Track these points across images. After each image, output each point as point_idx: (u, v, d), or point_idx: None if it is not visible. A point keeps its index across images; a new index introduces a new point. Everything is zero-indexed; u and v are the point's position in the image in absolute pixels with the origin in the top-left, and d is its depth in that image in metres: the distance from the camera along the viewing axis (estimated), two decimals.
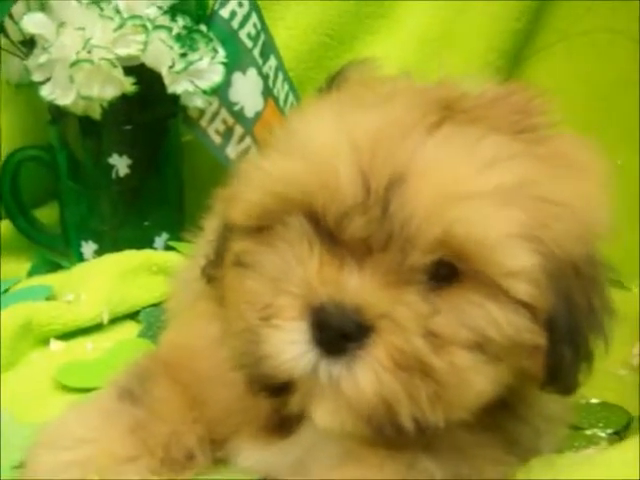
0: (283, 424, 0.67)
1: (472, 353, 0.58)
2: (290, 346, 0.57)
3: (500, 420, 0.63)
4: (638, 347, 0.98)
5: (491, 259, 0.57)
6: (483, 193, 0.57)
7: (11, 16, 1.08)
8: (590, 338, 0.62)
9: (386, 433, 0.58)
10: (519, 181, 0.58)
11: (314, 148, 0.59)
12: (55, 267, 1.23)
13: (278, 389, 0.60)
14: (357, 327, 0.56)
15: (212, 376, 0.71)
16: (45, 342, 1.03)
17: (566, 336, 0.60)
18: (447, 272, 0.58)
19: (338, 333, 0.56)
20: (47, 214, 1.32)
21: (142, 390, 0.72)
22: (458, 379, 0.57)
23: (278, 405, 0.64)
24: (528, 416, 0.67)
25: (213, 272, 0.70)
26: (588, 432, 0.84)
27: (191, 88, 1.10)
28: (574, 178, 0.62)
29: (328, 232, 0.59)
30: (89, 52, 1.00)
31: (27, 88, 1.20)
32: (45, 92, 1.05)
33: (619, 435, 0.84)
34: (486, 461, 0.65)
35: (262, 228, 0.63)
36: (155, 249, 1.23)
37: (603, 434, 0.84)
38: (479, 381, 0.59)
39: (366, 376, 0.56)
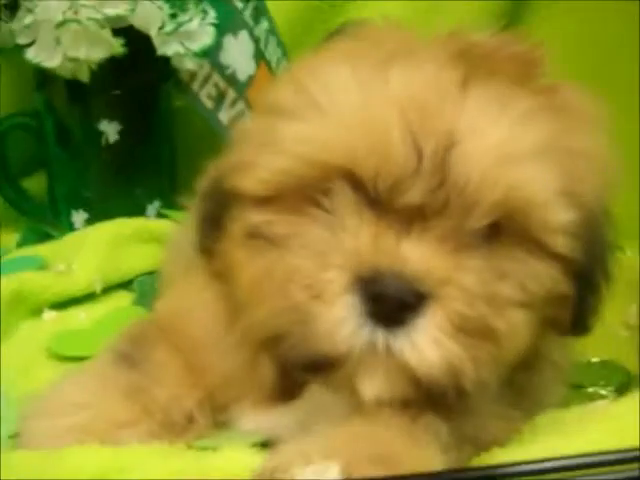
0: (285, 389, 0.66)
1: (523, 309, 0.58)
2: (344, 322, 0.55)
3: (510, 371, 0.63)
4: (636, 307, 0.99)
5: (538, 217, 0.57)
6: (528, 151, 0.57)
7: None
8: (602, 281, 0.64)
9: (436, 397, 0.57)
10: (550, 135, 0.58)
11: (349, 112, 0.57)
12: (45, 237, 1.21)
13: (321, 366, 0.58)
14: (416, 296, 0.55)
15: (210, 344, 0.69)
16: (38, 312, 1.01)
17: (590, 283, 0.62)
18: (491, 231, 0.57)
19: (396, 304, 0.54)
20: (35, 184, 1.28)
21: (140, 354, 0.70)
22: (514, 337, 0.58)
23: (284, 373, 0.63)
24: (537, 365, 0.67)
25: (211, 245, 0.67)
26: (590, 390, 0.85)
27: (181, 50, 1.07)
28: (586, 128, 0.63)
29: (376, 199, 0.56)
30: (75, 12, 0.97)
31: (11, 53, 1.17)
32: (30, 55, 1.02)
33: (619, 393, 0.85)
34: (491, 418, 0.64)
35: (279, 197, 0.60)
36: (147, 217, 1.21)
37: (604, 392, 0.85)
38: (526, 335, 0.60)
39: (430, 345, 0.55)
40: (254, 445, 0.63)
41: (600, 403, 0.67)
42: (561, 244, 0.59)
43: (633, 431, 0.55)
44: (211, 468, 0.57)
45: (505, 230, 0.58)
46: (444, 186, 0.55)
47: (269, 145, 0.60)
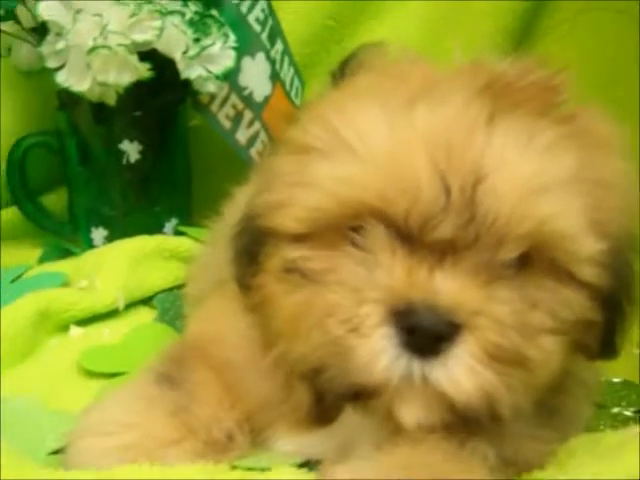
0: (322, 413, 0.68)
1: (554, 336, 0.60)
2: (381, 354, 0.57)
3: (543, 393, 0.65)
4: None
5: (567, 248, 0.59)
6: (556, 183, 0.58)
7: (23, 2, 1.07)
8: (629, 306, 0.65)
9: (472, 422, 0.59)
10: (575, 165, 0.60)
11: (379, 152, 0.59)
12: (66, 253, 1.23)
13: (359, 395, 0.60)
14: (450, 327, 0.57)
15: (245, 368, 0.71)
16: (64, 329, 1.03)
17: (617, 308, 0.64)
18: (521, 261, 0.59)
19: (431, 335, 0.57)
20: (54, 200, 1.31)
21: (180, 375, 0.72)
22: (546, 363, 0.60)
23: (320, 398, 0.65)
24: (567, 385, 0.69)
25: (248, 280, 0.68)
26: (614, 410, 0.86)
27: (204, 73, 1.10)
28: (607, 154, 0.64)
29: (408, 235, 0.58)
30: (105, 38, 1.00)
31: (34, 74, 1.20)
32: (61, 79, 1.04)
33: None
34: (528, 440, 0.66)
35: (314, 234, 0.62)
36: (165, 234, 1.24)
37: (628, 413, 0.86)
38: (557, 360, 0.61)
39: (465, 373, 0.57)
40: (297, 466, 0.66)
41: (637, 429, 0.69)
42: (589, 273, 0.60)
43: None
44: None
45: (535, 260, 0.60)
46: (474, 221, 0.57)
47: (303, 184, 0.62)
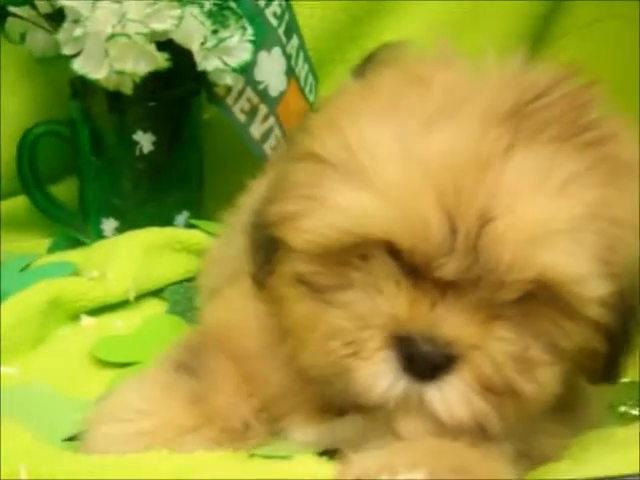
0: (338, 406, 0.68)
1: (552, 367, 0.61)
2: (380, 377, 0.60)
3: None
4: None
5: (572, 291, 0.58)
6: (566, 227, 0.57)
7: None
8: (636, 334, 0.65)
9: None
10: (593, 203, 0.58)
11: (390, 183, 0.58)
12: (76, 243, 1.22)
13: (363, 406, 0.62)
14: (447, 358, 0.59)
15: (261, 356, 0.71)
16: (75, 318, 1.02)
17: (622, 339, 0.64)
18: (524, 297, 0.59)
19: (428, 364, 0.59)
20: (64, 190, 1.30)
21: (198, 363, 0.72)
22: (541, 394, 0.61)
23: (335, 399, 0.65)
24: (581, 384, 0.69)
25: (263, 278, 0.70)
26: (621, 409, 0.87)
27: (221, 65, 1.09)
28: (629, 185, 0.62)
29: (413, 268, 0.59)
30: (124, 26, 0.99)
31: (47, 61, 1.19)
32: (77, 66, 1.03)
33: None
34: (544, 435, 0.67)
35: (324, 254, 0.62)
36: (176, 227, 1.23)
37: (635, 412, 0.87)
38: (554, 385, 0.62)
39: (458, 399, 0.59)
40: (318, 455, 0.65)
41: None
42: (595, 312, 0.60)
43: None
44: (285, 474, 0.59)
45: (538, 297, 0.60)
46: (477, 264, 0.58)
47: (316, 199, 0.61)
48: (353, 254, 0.62)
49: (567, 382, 0.64)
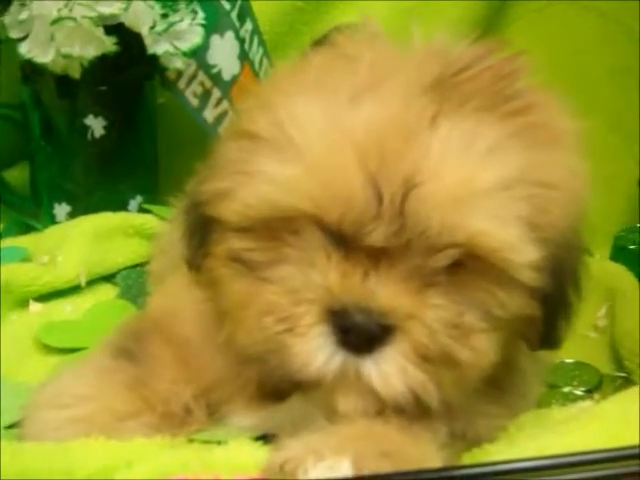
0: (275, 390, 0.68)
1: (488, 334, 0.61)
2: (317, 352, 0.59)
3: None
4: (605, 310, 1.03)
5: (502, 257, 0.59)
6: (493, 191, 0.57)
7: None
8: (573, 299, 0.66)
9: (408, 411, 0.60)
10: (518, 167, 0.59)
11: (316, 156, 0.58)
12: (27, 229, 1.22)
13: (300, 384, 0.62)
14: (383, 329, 0.58)
15: (199, 343, 0.72)
16: (24, 304, 1.02)
17: (558, 304, 0.64)
18: (455, 265, 0.60)
19: (364, 336, 0.58)
20: (16, 175, 1.29)
21: (138, 349, 0.72)
22: (478, 362, 0.61)
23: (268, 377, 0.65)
24: (519, 363, 0.70)
25: (198, 261, 0.69)
26: (565, 390, 0.89)
27: (171, 49, 1.09)
28: (559, 151, 0.63)
29: (343, 239, 0.59)
30: (70, 10, 0.98)
31: None
32: (23, 49, 1.02)
33: (592, 393, 0.89)
34: (478, 415, 0.67)
35: (256, 228, 0.62)
36: (129, 212, 1.23)
37: (578, 392, 0.89)
38: (491, 354, 0.62)
39: (394, 371, 0.59)
40: (254, 440, 0.66)
41: (585, 404, 0.71)
42: (528, 277, 0.60)
43: (621, 430, 0.58)
44: (218, 460, 0.59)
45: (469, 264, 0.60)
46: (404, 230, 0.58)
47: (247, 174, 0.62)
48: (285, 229, 0.61)
49: (505, 351, 0.64)
